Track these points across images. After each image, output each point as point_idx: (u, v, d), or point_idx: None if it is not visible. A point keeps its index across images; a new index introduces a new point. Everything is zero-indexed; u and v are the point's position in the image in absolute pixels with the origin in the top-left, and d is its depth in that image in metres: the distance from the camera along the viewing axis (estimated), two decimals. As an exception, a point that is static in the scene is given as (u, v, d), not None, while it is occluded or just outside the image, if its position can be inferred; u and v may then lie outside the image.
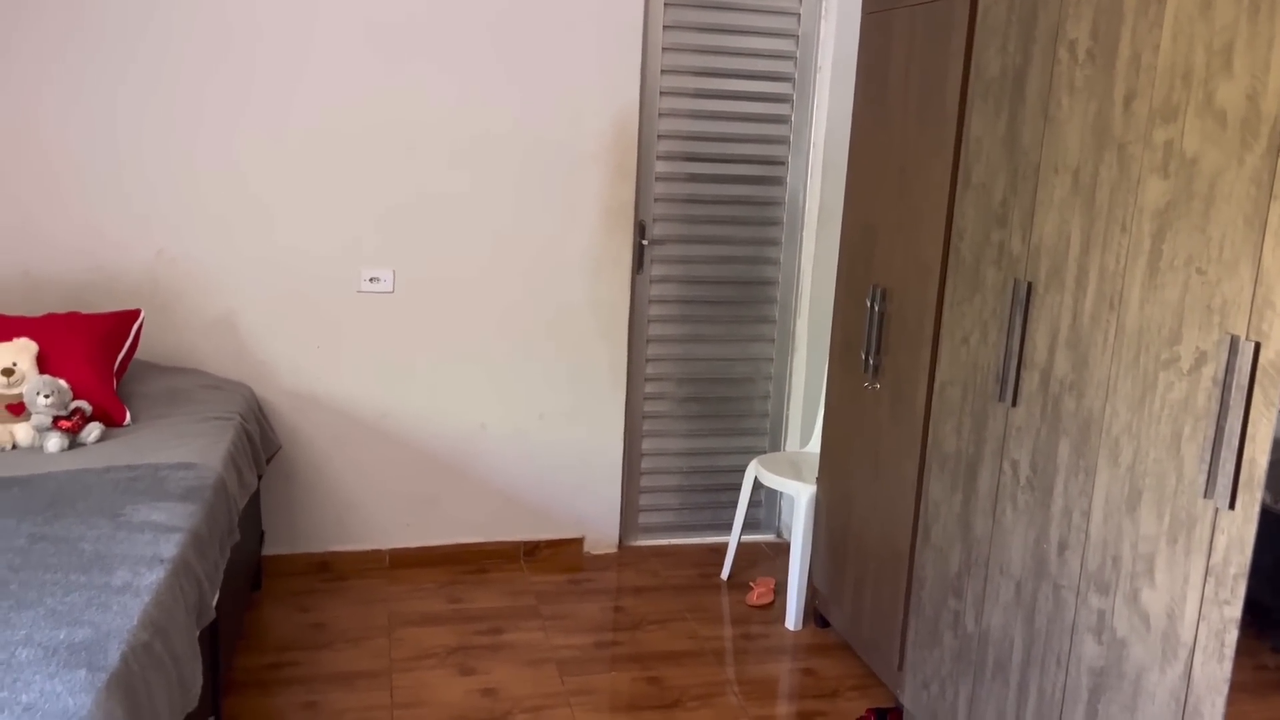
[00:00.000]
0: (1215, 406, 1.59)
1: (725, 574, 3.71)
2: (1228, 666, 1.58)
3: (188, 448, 2.57)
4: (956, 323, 2.38)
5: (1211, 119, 1.62)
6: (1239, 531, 1.55)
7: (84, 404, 2.62)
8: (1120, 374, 1.83)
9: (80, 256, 3.19)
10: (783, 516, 4.09)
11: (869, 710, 2.81)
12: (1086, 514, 1.92)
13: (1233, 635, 1.57)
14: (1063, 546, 2.00)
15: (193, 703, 1.86)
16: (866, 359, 2.92)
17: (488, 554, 3.73)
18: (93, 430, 2.59)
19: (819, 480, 3.29)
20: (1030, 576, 2.10)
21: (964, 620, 2.35)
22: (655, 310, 3.79)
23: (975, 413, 2.30)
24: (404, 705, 2.79)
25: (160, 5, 3.10)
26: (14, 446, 2.55)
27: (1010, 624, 2.17)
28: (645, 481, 3.94)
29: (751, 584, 3.61)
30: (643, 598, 3.52)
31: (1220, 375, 1.58)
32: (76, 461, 2.45)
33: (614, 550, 3.87)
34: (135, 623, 1.74)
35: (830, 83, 3.69)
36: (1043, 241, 2.06)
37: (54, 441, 2.52)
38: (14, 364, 2.60)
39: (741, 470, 3.99)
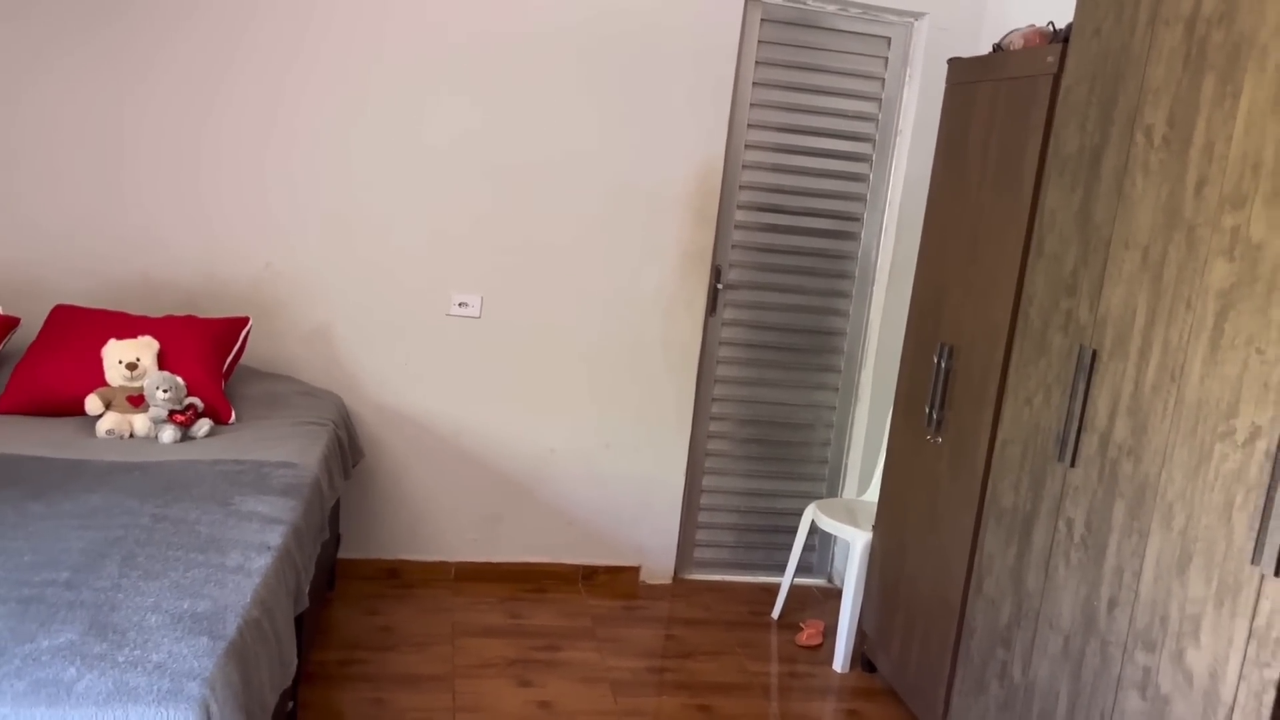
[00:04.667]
0: (1266, 479, 1.69)
1: (776, 613, 3.81)
2: (1266, 726, 1.67)
3: (287, 448, 2.76)
4: (1021, 384, 2.49)
5: (1278, 208, 1.74)
6: (1283, 598, 1.65)
7: (197, 400, 2.83)
8: (1178, 443, 1.93)
9: (196, 264, 3.42)
10: (835, 562, 4.18)
11: (911, 754, 2.88)
12: (1138, 574, 2.02)
13: (1270, 696, 1.66)
14: (1112, 604, 2.09)
15: (289, 680, 2.02)
16: (930, 413, 3.03)
17: (547, 574, 3.87)
18: (203, 425, 2.79)
19: (875, 528, 3.39)
20: (1079, 631, 2.19)
21: (1011, 670, 2.43)
22: (724, 352, 3.93)
23: (1034, 471, 2.40)
24: (465, 709, 2.93)
25: (295, 37, 3.34)
26: (131, 435, 2.75)
27: (1057, 677, 2.26)
28: (703, 517, 4.06)
29: (801, 625, 3.70)
30: (694, 629, 3.63)
31: (1273, 450, 1.68)
32: (188, 453, 2.64)
33: (668, 581, 3.99)
34: (249, 600, 1.91)
35: (909, 146, 3.83)
36: (1110, 312, 2.17)
37: (168, 433, 2.72)
38: (138, 359, 2.82)
39: (797, 513, 4.10)
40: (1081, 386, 2.23)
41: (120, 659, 1.64)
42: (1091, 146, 2.29)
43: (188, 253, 3.41)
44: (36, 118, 3.26)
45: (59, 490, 2.29)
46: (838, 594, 4.08)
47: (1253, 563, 1.71)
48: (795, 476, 4.11)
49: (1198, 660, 1.84)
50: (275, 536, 2.20)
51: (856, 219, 3.93)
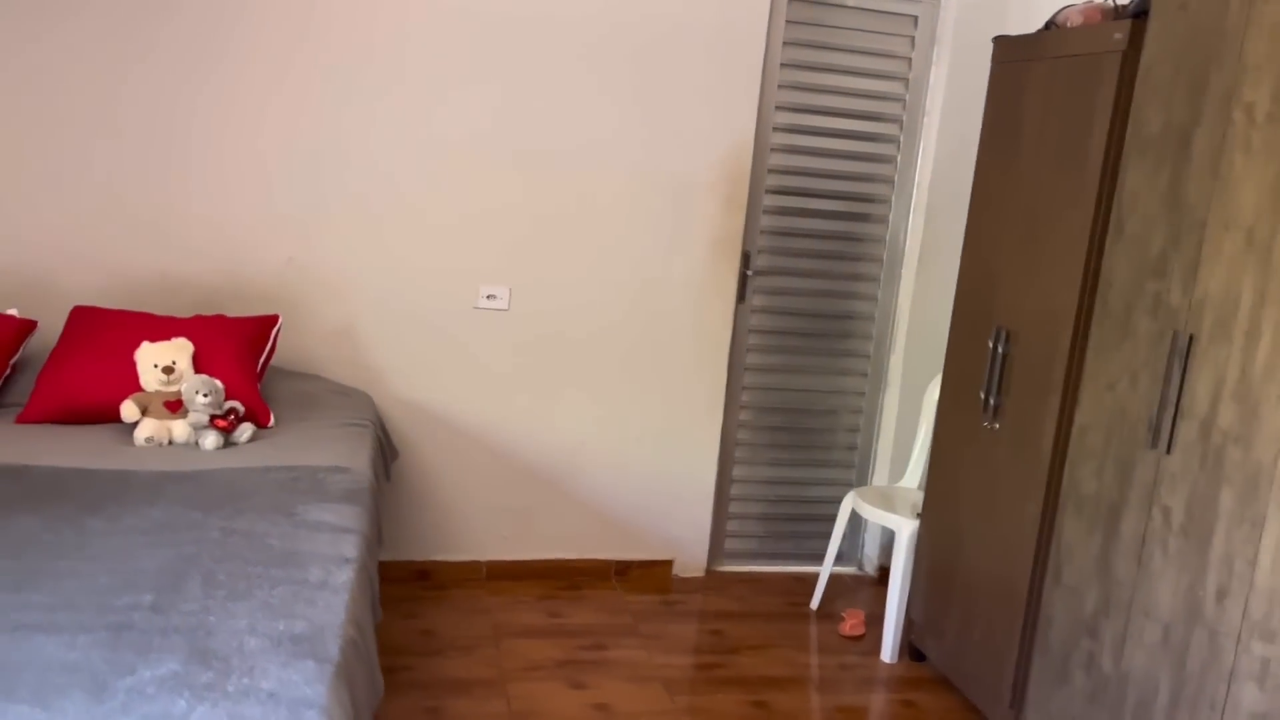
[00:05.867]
0: None
1: (815, 604, 3.76)
2: None
3: (335, 451, 2.65)
4: (1102, 369, 2.44)
5: None
6: None
7: (238, 404, 2.70)
8: (1297, 428, 1.89)
9: (215, 260, 3.27)
10: (865, 549, 4.13)
11: (978, 745, 2.85)
12: (1251, 563, 1.98)
13: None
14: (1222, 594, 2.05)
15: (379, 696, 1.92)
16: (986, 399, 2.98)
17: (580, 570, 3.78)
18: (245, 430, 2.67)
19: (924, 515, 3.34)
20: (1181, 622, 2.15)
21: (1100, 661, 2.39)
22: (753, 340, 3.86)
23: (1120, 458, 2.36)
24: (522, 715, 2.85)
25: (313, 25, 3.20)
26: (170, 442, 2.62)
27: (1156, 667, 2.22)
28: (733, 508, 4.00)
29: (843, 615, 3.65)
30: (735, 622, 3.57)
31: None
32: (235, 460, 2.52)
33: (701, 574, 3.93)
34: (343, 618, 1.80)
35: (939, 127, 3.77)
36: (1208, 295, 2.13)
37: (211, 439, 2.59)
38: (174, 362, 2.68)
39: (827, 501, 4.05)
40: (1177, 372, 2.19)
41: (230, 688, 1.53)
42: (1179, 126, 2.24)
43: (207, 249, 3.26)
44: (39, 111, 3.09)
45: (114, 503, 2.16)
46: (870, 581, 4.05)
47: (1397, 551, 1.67)
48: (825, 464, 4.05)
49: (1329, 650, 1.80)
50: (350, 548, 2.09)
51: (884, 201, 3.87)
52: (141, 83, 3.13)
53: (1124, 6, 2.67)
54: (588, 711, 2.90)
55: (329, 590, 1.89)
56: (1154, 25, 2.34)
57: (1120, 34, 2.52)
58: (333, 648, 1.70)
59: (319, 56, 3.23)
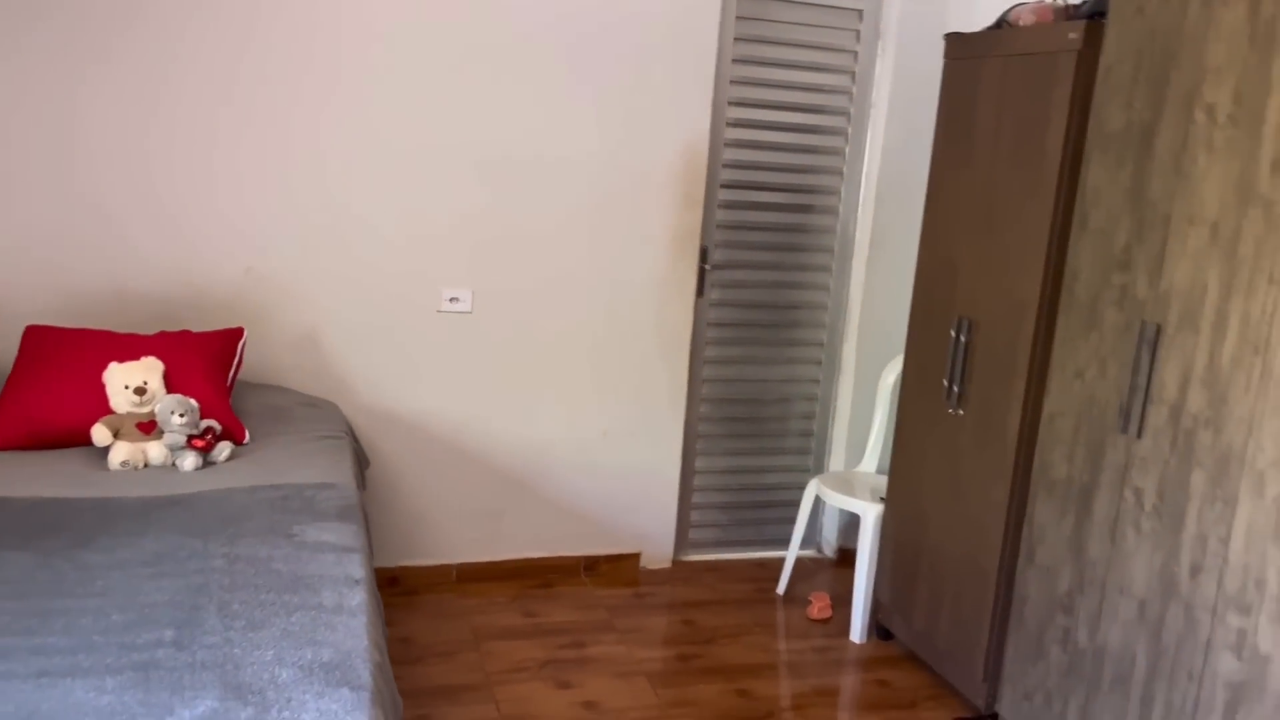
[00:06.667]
0: (1379, 446, 1.78)
1: (781, 589, 3.84)
2: (1388, 680, 1.76)
3: (318, 467, 2.62)
4: (1069, 358, 2.55)
5: (1373, 187, 1.81)
6: (1404, 559, 1.74)
7: (214, 423, 2.65)
8: (1266, 413, 2.01)
9: (172, 273, 3.19)
10: (824, 533, 4.23)
11: (955, 720, 2.96)
12: (1225, 540, 2.10)
13: (1395, 652, 1.75)
14: (1195, 570, 2.17)
15: (400, 714, 1.93)
16: (950, 387, 3.08)
17: (550, 568, 3.80)
18: (224, 449, 2.62)
19: (888, 499, 3.44)
20: (1156, 597, 2.27)
21: (1075, 635, 2.51)
22: (712, 333, 3.91)
23: (1090, 443, 2.47)
24: (513, 718, 2.86)
25: (267, 32, 3.13)
26: (146, 464, 2.56)
27: (1132, 640, 2.34)
28: (696, 498, 4.06)
29: (810, 598, 3.74)
30: (707, 611, 3.63)
31: (1385, 418, 1.76)
32: (218, 481, 2.48)
33: (668, 565, 3.98)
34: (366, 642, 1.80)
35: (885, 118, 3.86)
36: (1174, 287, 2.24)
37: (190, 460, 2.54)
38: (145, 382, 2.62)
39: (786, 488, 4.13)
40: (1145, 360, 2.30)
41: (272, 723, 1.53)
42: (1141, 124, 2.34)
43: (162, 261, 3.17)
44: (-15, 120, 2.97)
45: (105, 535, 2.11)
46: (831, 564, 4.15)
47: (1368, 527, 1.79)
48: (783, 451, 4.13)
49: (1303, 620, 1.93)
50: (356, 568, 2.08)
51: (834, 192, 3.95)
52: (91, 95, 3.02)
53: (1076, 7, 2.77)
54: (578, 711, 2.93)
55: (346, 614, 1.88)
56: (1112, 28, 2.43)
57: (1075, 34, 2.62)
58: (364, 674, 1.70)
59: (272, 64, 3.16)
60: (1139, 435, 2.33)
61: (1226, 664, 2.10)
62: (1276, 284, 2.00)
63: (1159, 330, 2.28)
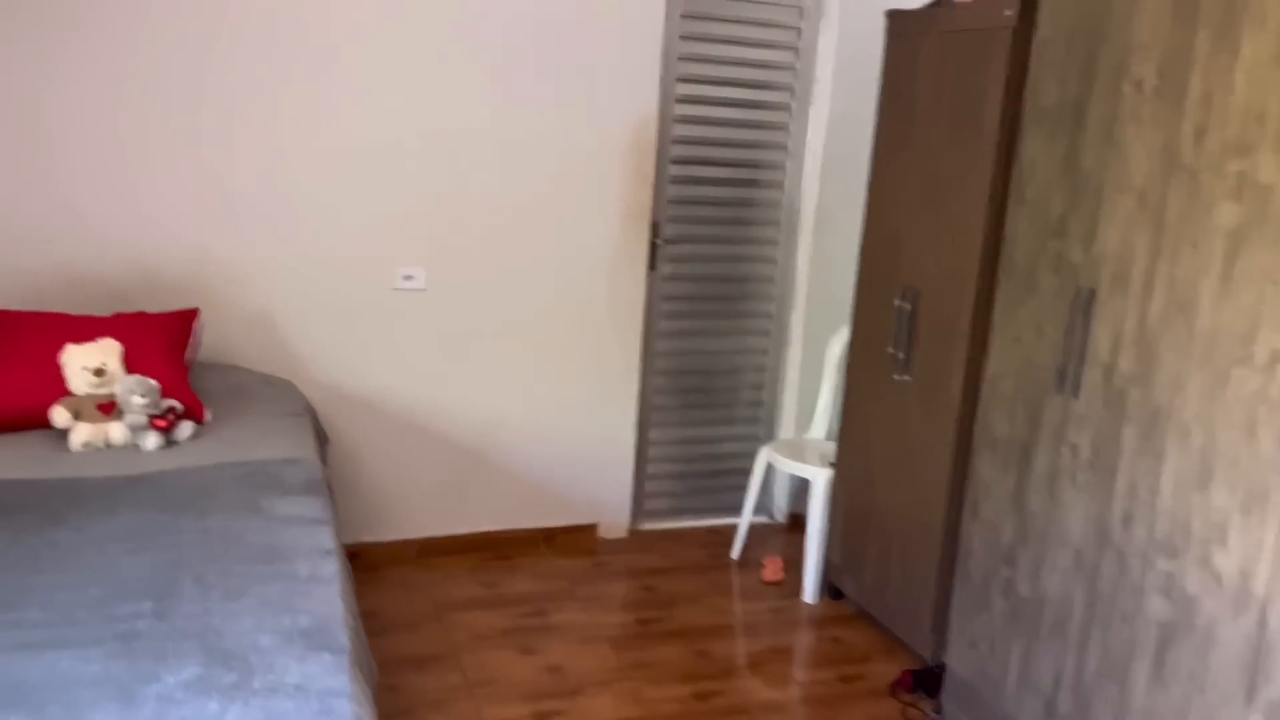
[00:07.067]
0: (1293, 397, 1.91)
1: (736, 554, 3.95)
2: (1303, 614, 1.90)
3: (282, 444, 2.65)
4: (1008, 322, 2.67)
5: (1286, 156, 1.93)
6: (1316, 501, 1.87)
7: (176, 403, 2.67)
8: (1191, 370, 2.14)
9: (122, 254, 3.18)
10: (775, 499, 4.35)
11: (905, 671, 3.09)
12: (1154, 490, 2.23)
13: (1308, 587, 1.89)
14: (1128, 519, 2.30)
15: (375, 678, 1.99)
16: (896, 354, 3.20)
17: (510, 540, 3.87)
18: (185, 429, 2.64)
19: (837, 464, 3.55)
20: (1091, 546, 2.41)
21: (1017, 586, 2.64)
22: (664, 306, 3.99)
23: (1030, 402, 2.59)
24: (480, 684, 2.93)
25: (215, 15, 3.12)
26: (108, 445, 2.57)
27: (1070, 588, 2.47)
28: (651, 468, 4.14)
29: (763, 562, 3.85)
30: (665, 578, 3.73)
31: (1298, 371, 1.89)
32: (182, 459, 2.50)
33: (625, 535, 4.06)
34: (342, 608, 1.86)
35: (829, 94, 3.95)
36: (1106, 252, 2.36)
37: (152, 440, 2.56)
38: (104, 364, 2.62)
39: (738, 456, 4.24)
40: (1080, 323, 2.42)
41: (257, 686, 1.58)
42: (1074, 98, 2.45)
43: (117, 243, 3.16)
44: (-72, 103, 2.93)
45: (75, 513, 2.13)
46: (782, 529, 4.27)
47: (1283, 473, 1.93)
48: (734, 420, 4.23)
49: (1226, 562, 2.06)
50: (327, 539, 2.13)
51: (781, 167, 4.04)
52: (45, 77, 3.00)
53: (1011, -16, 2.87)
54: (542, 675, 3.01)
55: (320, 583, 1.94)
56: (1045, 5, 2.54)
57: (1010, 11, 2.72)
58: (342, 638, 1.75)
59: (228, 47, 3.15)
60: (1075, 394, 2.45)
61: (1157, 606, 2.23)
62: (1199, 249, 2.12)
63: (1092, 294, 2.40)
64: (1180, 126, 2.17)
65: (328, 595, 1.89)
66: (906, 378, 3.17)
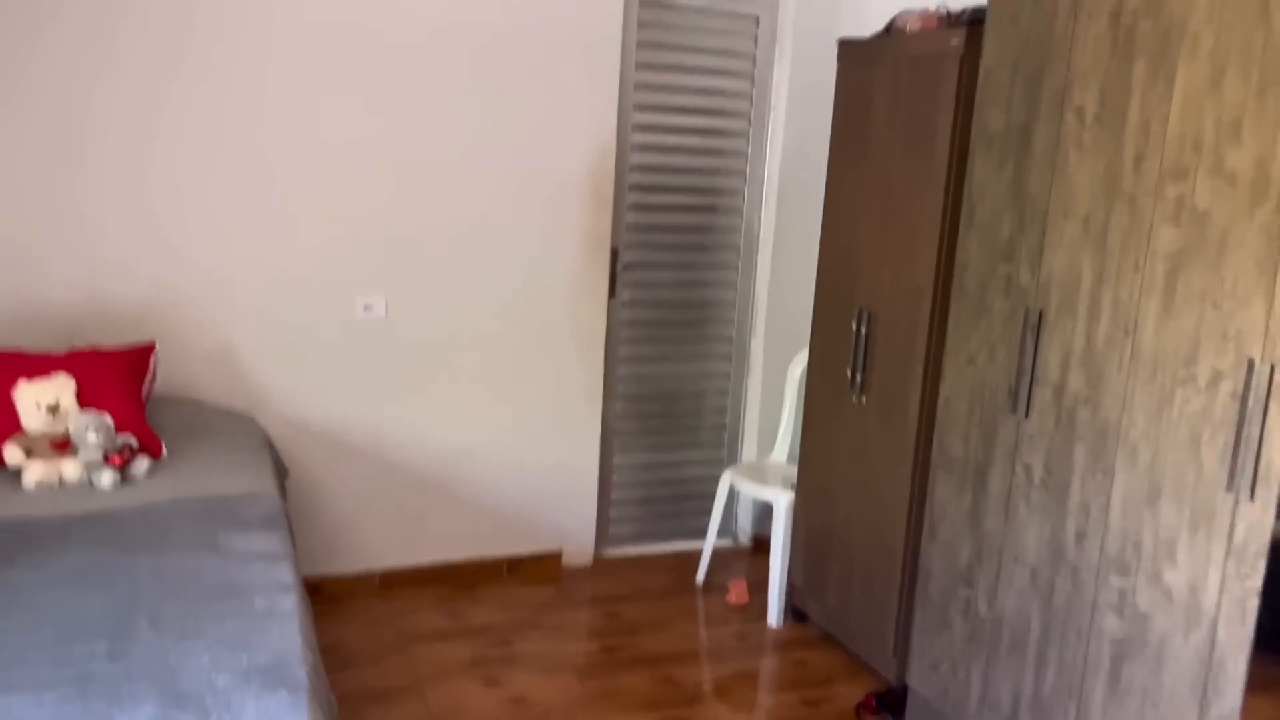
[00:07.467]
0: (1234, 416, 1.96)
1: (700, 578, 3.96)
2: (1249, 628, 1.94)
3: (241, 479, 2.63)
4: (961, 344, 2.71)
5: (1222, 180, 1.99)
6: (1259, 518, 1.92)
7: (131, 439, 2.64)
8: (1137, 390, 2.19)
9: (76, 288, 3.15)
10: (739, 522, 4.36)
11: (869, 694, 3.11)
12: (1105, 508, 2.27)
13: (1254, 602, 1.93)
14: (1080, 536, 2.34)
15: (335, 713, 1.97)
16: (853, 376, 3.23)
17: (473, 570, 3.85)
18: (141, 465, 2.61)
19: (798, 486, 3.58)
20: (1046, 564, 2.44)
21: (975, 605, 2.67)
22: (625, 332, 4.01)
23: (984, 423, 2.63)
24: (443, 717, 2.91)
25: (174, 36, 3.11)
26: (61, 483, 2.54)
27: (1026, 606, 2.50)
28: (615, 494, 4.15)
29: (728, 585, 3.86)
30: (630, 604, 3.73)
31: (1239, 390, 1.95)
32: (139, 496, 2.47)
33: (589, 562, 4.06)
34: (300, 643, 1.85)
35: (784, 120, 4.00)
36: (1053, 276, 2.41)
37: (107, 477, 2.53)
38: (57, 400, 2.60)
39: (701, 480, 4.25)
40: (1030, 345, 2.47)
41: (213, 726, 1.57)
42: (1019, 125, 2.51)
43: (70, 277, 3.14)
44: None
45: (26, 553, 2.10)
46: (746, 552, 4.28)
47: (1227, 490, 1.97)
48: (696, 445, 4.25)
49: (1176, 579, 2.10)
50: (286, 574, 2.12)
51: (738, 193, 4.08)
52: (-16, 107, 2.98)
53: (958, 14, 2.94)
54: (506, 707, 3.00)
55: (277, 618, 1.92)
56: (990, 35, 2.60)
57: (957, 40, 2.79)
58: (300, 674, 1.74)
59: (181, 77, 3.15)
60: (1027, 415, 2.49)
61: (1110, 623, 2.27)
62: (1141, 271, 2.18)
63: (1041, 316, 2.44)
64: (1120, 153, 2.23)
65: (286, 631, 1.88)
66: (863, 400, 3.20)
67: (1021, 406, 2.50)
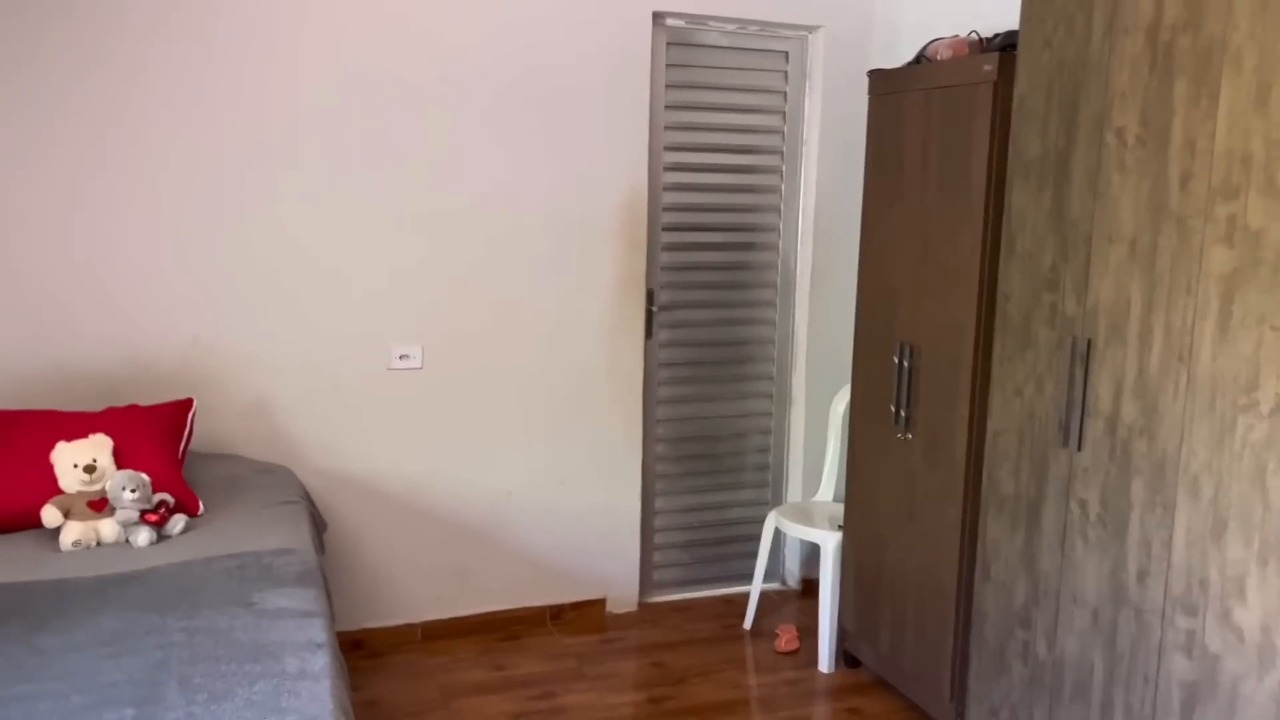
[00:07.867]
0: (1301, 444, 1.85)
1: (748, 624, 3.86)
2: (1329, 669, 1.82)
3: (277, 534, 2.61)
4: (1008, 377, 2.62)
5: (1274, 198, 1.90)
6: (1333, 550, 1.81)
7: (167, 496, 2.63)
8: (1195, 419, 2.09)
9: (114, 347, 3.17)
10: (786, 564, 4.26)
11: (926, 742, 2.99)
12: (1167, 544, 2.17)
13: (1333, 641, 1.82)
14: (1143, 575, 2.23)
15: (370, 782, 1.92)
16: (897, 411, 3.15)
17: (516, 620, 3.79)
18: (178, 522, 2.60)
19: (846, 526, 3.48)
20: (1107, 604, 2.33)
21: (1034, 648, 2.56)
22: (663, 374, 3.96)
23: (1034, 458, 2.54)
24: (487, 774, 2.85)
25: (204, 95, 3.15)
26: (99, 543, 2.53)
27: (1089, 649, 2.39)
28: (658, 539, 4.07)
29: (776, 631, 3.76)
30: (677, 652, 3.64)
31: (1304, 417, 1.84)
32: (174, 554, 2.46)
33: (634, 608, 3.98)
34: (331, 706, 1.80)
35: (816, 153, 3.96)
36: (1100, 303, 2.32)
37: (144, 536, 2.52)
38: (94, 460, 2.60)
39: (746, 522, 4.17)
40: (1079, 375, 2.38)
41: (239, 796, 1.52)
42: (1057, 150, 2.44)
43: (106, 336, 3.16)
44: (-81, 207, 2.95)
45: (59, 617, 2.09)
46: (795, 595, 4.18)
47: (1297, 522, 1.87)
48: (740, 486, 4.17)
49: (1246, 618, 1.99)
50: (319, 632, 2.08)
51: (773, 229, 4.04)
52: (21, 168, 3.02)
53: (989, 40, 2.89)
54: (551, 761, 2.92)
55: (309, 679, 1.88)
56: (1022, 61, 2.54)
57: (990, 65, 2.73)
58: (330, 739, 1.69)
59: (212, 131, 3.18)
60: (1079, 447, 2.40)
61: (1179, 665, 2.15)
62: (1193, 294, 2.09)
63: (1090, 345, 2.36)
64: (1166, 173, 2.15)
65: (317, 692, 1.83)
66: (909, 436, 3.11)
67: (1074, 439, 2.41)
